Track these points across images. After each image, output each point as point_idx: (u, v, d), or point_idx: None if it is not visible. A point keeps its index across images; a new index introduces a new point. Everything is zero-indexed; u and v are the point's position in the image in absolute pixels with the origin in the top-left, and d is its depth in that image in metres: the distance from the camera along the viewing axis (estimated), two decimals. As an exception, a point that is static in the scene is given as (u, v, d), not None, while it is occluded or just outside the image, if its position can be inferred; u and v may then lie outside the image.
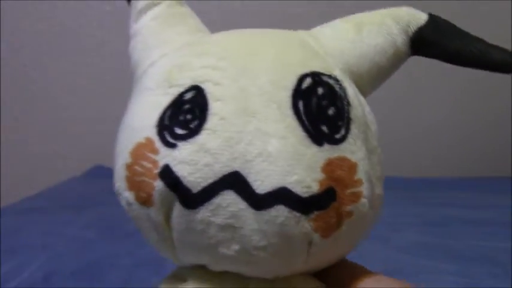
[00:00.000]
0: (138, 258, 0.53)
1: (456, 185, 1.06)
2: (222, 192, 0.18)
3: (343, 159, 0.19)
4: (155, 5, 0.24)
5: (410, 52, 0.23)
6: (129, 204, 0.20)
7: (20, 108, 1.16)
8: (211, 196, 0.18)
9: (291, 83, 0.19)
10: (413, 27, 0.22)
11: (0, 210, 0.71)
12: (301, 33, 0.23)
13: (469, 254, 0.57)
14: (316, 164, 0.18)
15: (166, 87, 0.20)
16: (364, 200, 0.19)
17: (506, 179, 1.06)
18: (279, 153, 0.18)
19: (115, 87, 1.17)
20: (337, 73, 0.20)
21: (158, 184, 0.18)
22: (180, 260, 0.21)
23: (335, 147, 0.19)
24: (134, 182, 0.19)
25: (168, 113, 0.19)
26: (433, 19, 0.22)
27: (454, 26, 0.22)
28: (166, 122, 0.19)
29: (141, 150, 0.19)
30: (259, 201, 0.18)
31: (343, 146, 0.19)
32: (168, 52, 0.22)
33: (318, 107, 0.19)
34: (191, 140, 0.18)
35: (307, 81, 0.19)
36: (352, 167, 0.19)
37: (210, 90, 0.19)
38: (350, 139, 0.19)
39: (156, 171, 0.19)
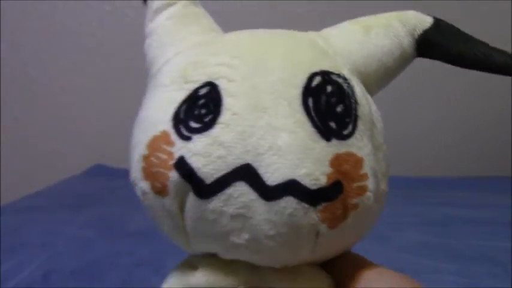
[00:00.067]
0: (138, 258, 0.53)
1: (456, 184, 1.06)
2: (234, 184, 0.19)
3: (350, 154, 0.19)
4: (171, 5, 0.25)
5: (416, 54, 0.23)
6: (144, 193, 0.21)
7: (20, 107, 1.16)
8: (224, 187, 0.19)
9: (301, 81, 0.20)
10: (419, 30, 0.23)
11: (0, 208, 0.71)
12: (311, 34, 0.23)
13: (469, 253, 0.58)
14: (325, 158, 0.19)
15: (181, 83, 0.21)
16: (369, 194, 0.20)
17: (506, 179, 1.06)
18: (288, 147, 0.19)
19: (115, 86, 1.18)
20: (345, 72, 0.21)
21: (173, 175, 0.19)
22: (192, 248, 0.21)
23: (343, 142, 0.19)
24: (150, 173, 0.20)
25: (184, 107, 0.20)
26: (438, 22, 0.23)
27: (458, 30, 0.23)
28: (182, 116, 0.20)
29: (157, 143, 0.20)
30: (269, 193, 0.18)
31: (350, 141, 0.20)
32: (182, 50, 0.23)
33: (327, 104, 0.20)
34: (205, 133, 0.19)
35: (317, 80, 0.20)
36: (359, 162, 0.20)
37: (224, 86, 0.20)
38: (357, 135, 0.20)
39: (172, 162, 0.19)
